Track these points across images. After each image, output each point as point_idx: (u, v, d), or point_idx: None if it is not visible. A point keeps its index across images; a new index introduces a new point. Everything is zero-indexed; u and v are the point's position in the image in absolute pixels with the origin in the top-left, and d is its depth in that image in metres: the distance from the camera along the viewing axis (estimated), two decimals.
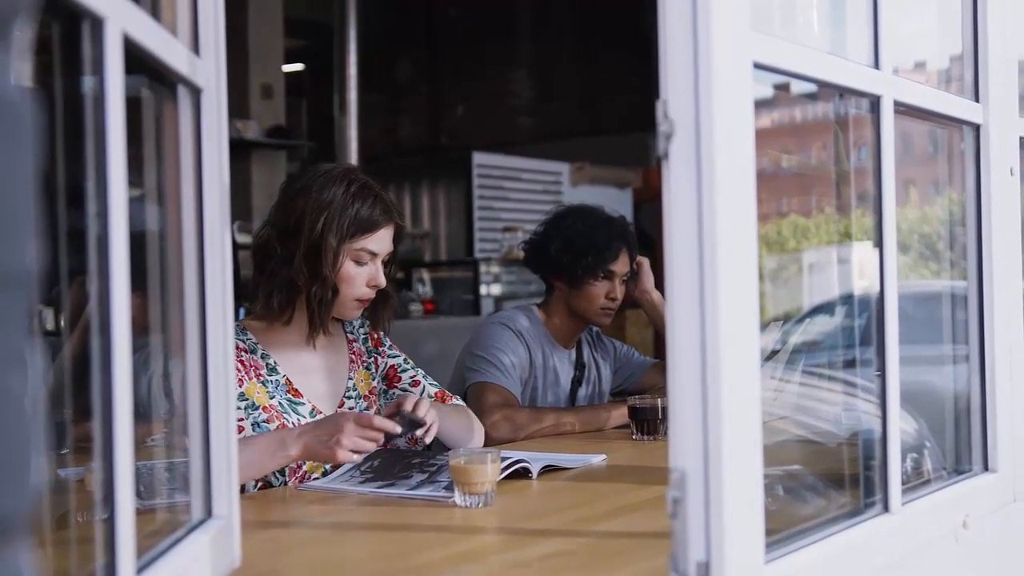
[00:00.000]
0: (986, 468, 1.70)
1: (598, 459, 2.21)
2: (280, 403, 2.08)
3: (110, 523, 0.92)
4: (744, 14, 1.13)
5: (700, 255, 1.08)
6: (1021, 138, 1.80)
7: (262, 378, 2.09)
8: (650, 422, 2.50)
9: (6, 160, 0.54)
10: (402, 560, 1.49)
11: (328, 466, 2.02)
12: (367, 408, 2.22)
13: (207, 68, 1.27)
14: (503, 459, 1.86)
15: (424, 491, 1.82)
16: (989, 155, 1.70)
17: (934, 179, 1.97)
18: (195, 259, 1.25)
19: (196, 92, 1.25)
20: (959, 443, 1.75)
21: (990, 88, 1.70)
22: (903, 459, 1.46)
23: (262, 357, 2.11)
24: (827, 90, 1.51)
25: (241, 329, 2.12)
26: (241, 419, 2.01)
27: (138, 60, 1.03)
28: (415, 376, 2.31)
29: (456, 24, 9.58)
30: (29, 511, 0.56)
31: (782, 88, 1.38)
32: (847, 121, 1.62)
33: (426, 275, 7.31)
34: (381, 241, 2.12)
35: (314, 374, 2.18)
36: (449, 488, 1.77)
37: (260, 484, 2.00)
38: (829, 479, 1.59)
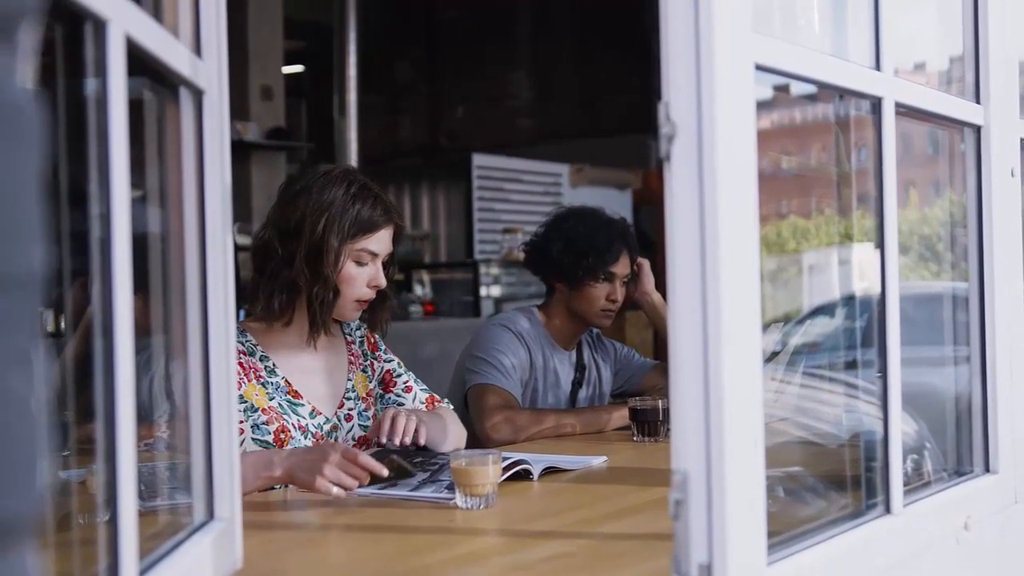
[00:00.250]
0: (987, 470, 1.70)
1: (599, 461, 2.21)
2: (280, 404, 2.08)
3: (113, 525, 0.92)
4: (745, 16, 1.13)
5: (702, 257, 1.08)
6: (1022, 139, 1.80)
7: (262, 379, 2.09)
8: (651, 424, 2.50)
9: (13, 162, 0.54)
10: (403, 562, 1.49)
11: None
12: (365, 410, 2.23)
13: (209, 70, 1.27)
14: (504, 460, 1.86)
15: (426, 492, 1.82)
16: (990, 156, 1.70)
17: (934, 180, 1.97)
18: (197, 261, 1.25)
19: (198, 94, 1.25)
20: (960, 444, 1.75)
21: (991, 89, 1.70)
22: (903, 460, 1.46)
23: (261, 359, 2.11)
24: (826, 91, 1.51)
25: (240, 331, 2.12)
26: (241, 421, 2.01)
27: (140, 62, 1.03)
28: (408, 382, 2.32)
29: (456, 25, 9.58)
30: (35, 514, 0.56)
31: (781, 89, 1.38)
32: (847, 122, 1.62)
33: (426, 276, 7.31)
34: (381, 242, 2.13)
35: (313, 375, 2.18)
36: (451, 488, 1.77)
37: None
38: (830, 481, 1.59)
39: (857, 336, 1.76)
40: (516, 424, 2.59)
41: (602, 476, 2.13)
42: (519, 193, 7.71)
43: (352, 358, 2.26)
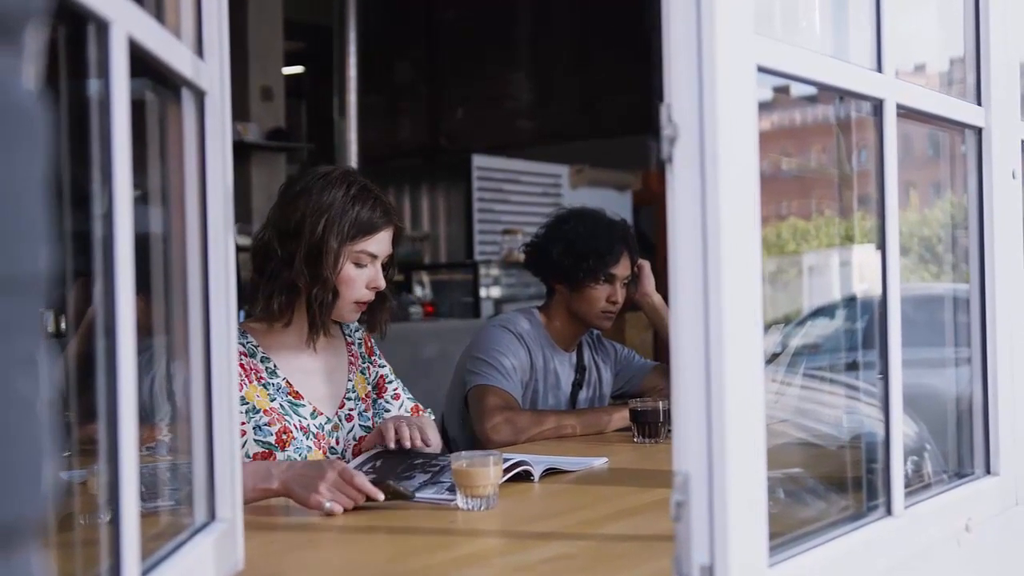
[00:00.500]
0: (988, 471, 1.70)
1: (600, 462, 2.21)
2: (281, 405, 2.08)
3: (115, 526, 0.92)
4: (747, 18, 1.13)
5: (704, 258, 1.08)
6: (1023, 141, 1.80)
7: (263, 381, 2.09)
8: (651, 425, 2.50)
9: (18, 164, 0.54)
10: (404, 563, 1.49)
11: None
12: (365, 410, 2.23)
13: (211, 71, 1.27)
14: (505, 461, 1.86)
15: (427, 493, 1.82)
16: (991, 158, 1.70)
17: (934, 182, 1.97)
18: (198, 261, 1.25)
19: (200, 95, 1.25)
20: (961, 446, 1.75)
21: (992, 91, 1.70)
22: (904, 462, 1.46)
23: (262, 360, 2.11)
24: (826, 93, 1.51)
25: (241, 332, 2.12)
26: (243, 423, 2.01)
27: (142, 63, 1.03)
28: (396, 389, 2.32)
29: (455, 26, 9.58)
30: (41, 516, 0.56)
31: (781, 91, 1.38)
32: (847, 124, 1.62)
33: (426, 277, 7.30)
34: (381, 243, 2.13)
35: (314, 376, 2.18)
36: (452, 490, 1.77)
37: None
38: (831, 482, 1.59)
39: (857, 337, 1.76)
40: (516, 425, 2.59)
41: (603, 477, 2.13)
42: (519, 194, 7.70)
43: (352, 359, 2.27)
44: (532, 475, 1.99)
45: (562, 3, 9.11)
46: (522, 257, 3.02)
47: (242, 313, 2.32)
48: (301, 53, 8.32)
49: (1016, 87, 1.78)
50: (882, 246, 1.43)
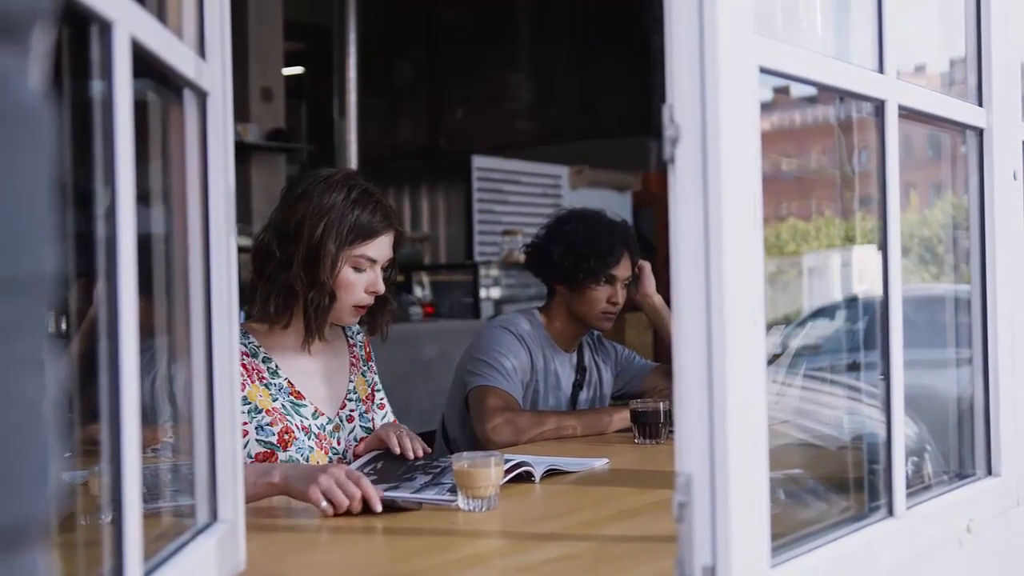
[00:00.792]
0: (989, 472, 1.70)
1: (601, 463, 2.21)
2: (283, 405, 2.09)
3: (117, 527, 0.92)
4: (749, 18, 1.13)
5: (706, 259, 1.08)
6: None
7: (264, 381, 2.09)
8: (652, 426, 2.50)
9: (26, 166, 0.54)
10: (406, 564, 1.49)
11: None
12: (365, 412, 2.23)
13: (213, 72, 1.27)
14: (506, 462, 1.86)
15: (428, 494, 1.82)
16: (992, 159, 1.70)
17: (934, 182, 1.97)
18: (200, 262, 1.25)
19: (202, 96, 1.25)
20: (963, 447, 1.75)
21: (993, 92, 1.70)
22: (905, 463, 1.46)
23: (263, 361, 2.11)
24: (826, 93, 1.51)
25: (243, 332, 2.12)
26: (245, 423, 2.01)
27: (144, 63, 1.03)
28: (383, 399, 2.34)
29: (455, 27, 9.58)
30: (46, 518, 0.56)
31: (781, 91, 1.38)
32: (848, 124, 1.62)
33: (426, 278, 7.30)
34: (381, 248, 2.12)
35: (315, 377, 2.18)
36: (453, 491, 1.77)
37: None
38: (833, 483, 1.59)
39: (858, 338, 1.76)
40: (517, 426, 2.59)
41: (604, 478, 2.13)
42: (519, 195, 7.70)
43: (353, 360, 2.27)
44: (533, 476, 1.99)
45: (562, 3, 9.12)
46: (522, 258, 3.02)
47: (242, 314, 2.32)
48: (301, 54, 8.32)
49: (1017, 88, 1.78)
50: (884, 247, 1.43)
